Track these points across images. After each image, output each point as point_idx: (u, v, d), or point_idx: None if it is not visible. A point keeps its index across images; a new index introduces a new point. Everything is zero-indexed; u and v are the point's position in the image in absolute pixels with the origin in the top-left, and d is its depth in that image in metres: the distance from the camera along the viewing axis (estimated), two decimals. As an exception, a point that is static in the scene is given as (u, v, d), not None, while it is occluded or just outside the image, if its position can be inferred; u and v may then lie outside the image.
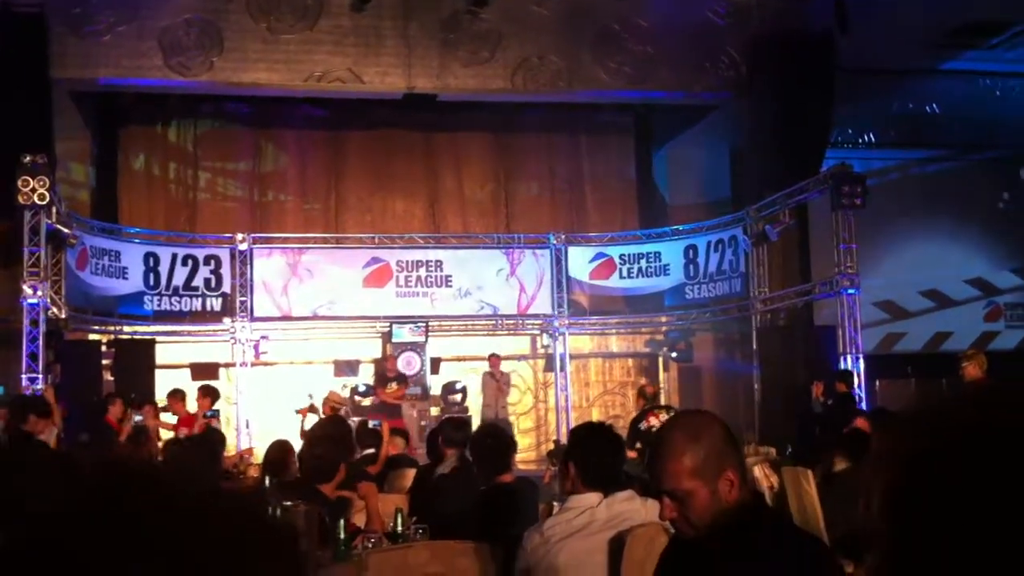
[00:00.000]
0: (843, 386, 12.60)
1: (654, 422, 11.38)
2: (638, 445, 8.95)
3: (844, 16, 14.42)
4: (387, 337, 15.96)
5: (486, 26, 15.21)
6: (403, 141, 17.56)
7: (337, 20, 14.87)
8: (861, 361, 13.77)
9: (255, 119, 17.06)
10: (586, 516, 3.95)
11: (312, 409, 13.26)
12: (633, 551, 3.85)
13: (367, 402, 14.79)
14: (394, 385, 14.38)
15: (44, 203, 11.88)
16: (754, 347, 15.67)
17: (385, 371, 14.84)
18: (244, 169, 17.28)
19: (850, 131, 17.57)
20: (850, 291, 13.83)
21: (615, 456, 4.06)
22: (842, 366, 13.56)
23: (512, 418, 16.16)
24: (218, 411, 12.32)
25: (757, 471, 8.88)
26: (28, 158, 11.77)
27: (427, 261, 16.43)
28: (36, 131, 13.10)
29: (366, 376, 15.97)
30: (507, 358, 16.60)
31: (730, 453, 2.49)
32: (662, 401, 14.54)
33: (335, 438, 6.03)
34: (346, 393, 14.73)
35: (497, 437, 5.55)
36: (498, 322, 16.80)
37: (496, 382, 15.51)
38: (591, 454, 4.07)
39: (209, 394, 12.29)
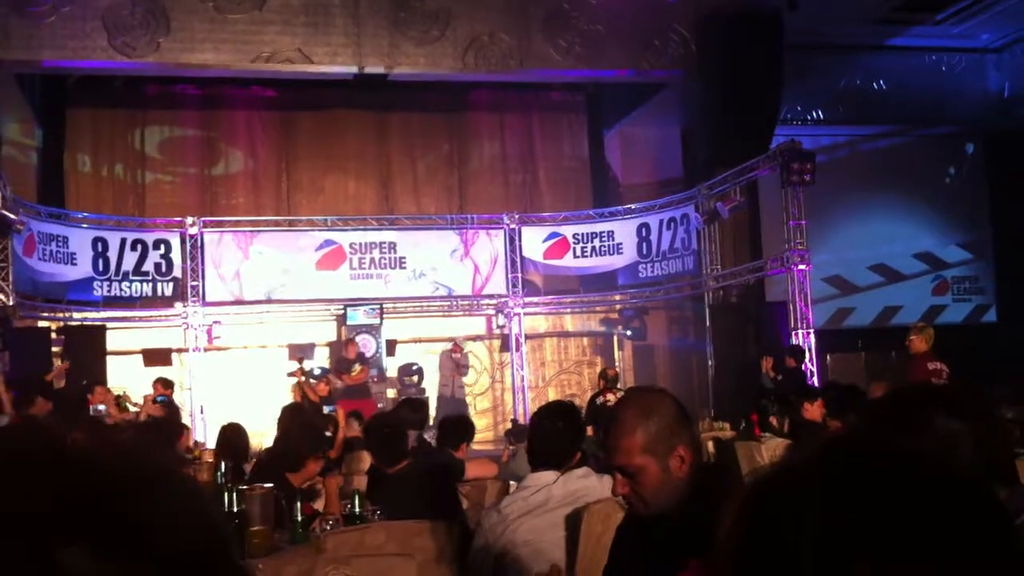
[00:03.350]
0: (792, 361, 12.77)
1: (610, 398, 11.52)
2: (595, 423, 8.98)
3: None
4: (342, 320, 15.90)
5: (436, 4, 15.13)
6: (354, 121, 17.46)
7: None
8: (812, 336, 13.94)
9: (203, 101, 16.88)
10: (543, 494, 3.97)
11: (302, 372, 13.27)
12: (590, 527, 3.87)
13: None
14: (357, 367, 14.34)
15: (-12, 188, 11.68)
16: (707, 324, 15.80)
17: (345, 356, 14.77)
18: (193, 152, 17.09)
19: (799, 108, 17.71)
20: (800, 267, 13.98)
21: (573, 434, 4.08)
22: (793, 341, 13.72)
23: (469, 398, 16.20)
24: (167, 397, 12.18)
25: (710, 446, 8.99)
26: (-29, 143, 11.57)
27: (380, 243, 16.37)
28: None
29: (321, 359, 15.91)
30: (464, 339, 16.61)
31: (682, 430, 2.49)
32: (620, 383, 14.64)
33: (302, 429, 6.05)
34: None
35: (383, 428, 5.79)
36: (453, 303, 16.79)
37: (453, 362, 15.52)
38: (545, 432, 4.09)
39: (168, 386, 12.20)
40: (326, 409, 11.81)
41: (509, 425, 16.31)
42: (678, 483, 2.45)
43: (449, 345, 15.79)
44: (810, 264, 14.08)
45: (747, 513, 0.87)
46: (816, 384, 12.98)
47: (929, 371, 9.02)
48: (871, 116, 18.12)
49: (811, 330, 13.93)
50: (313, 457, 5.46)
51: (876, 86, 18.22)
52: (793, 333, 13.93)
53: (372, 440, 5.80)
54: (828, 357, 15.56)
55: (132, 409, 11.50)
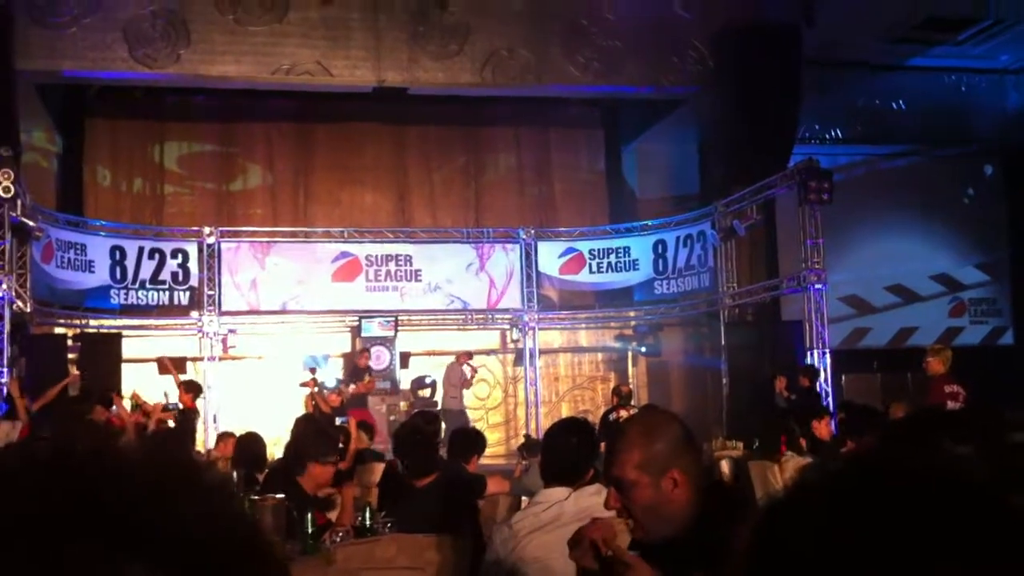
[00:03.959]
0: (806, 381, 12.69)
1: (623, 414, 11.51)
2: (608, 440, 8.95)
3: (810, 9, 14.51)
4: (356, 331, 15.91)
5: (455, 19, 15.18)
6: (372, 134, 17.51)
7: (305, 12, 14.80)
8: (828, 356, 13.87)
9: (222, 112, 16.95)
10: (555, 510, 3.95)
11: (315, 383, 13.29)
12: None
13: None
14: (367, 377, 14.40)
15: (9, 196, 11.74)
16: (722, 342, 15.74)
17: (357, 366, 14.79)
18: (212, 162, 17.16)
19: (817, 126, 17.67)
20: (817, 286, 13.91)
21: (586, 451, 4.07)
22: (808, 361, 13.65)
23: (480, 412, 16.20)
24: (176, 404, 12.18)
25: (724, 465, 8.95)
26: (-9, 150, 11.63)
27: (396, 255, 16.39)
28: (1, 123, 12.94)
29: (335, 371, 15.90)
30: (476, 352, 16.60)
31: (682, 454, 2.50)
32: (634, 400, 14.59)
33: (308, 434, 6.03)
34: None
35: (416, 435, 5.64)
36: (468, 316, 16.79)
37: (462, 374, 15.40)
38: (559, 448, 4.08)
39: (191, 389, 12.21)
40: (338, 421, 11.81)
41: (521, 439, 16.31)
42: (673, 505, 2.46)
43: (451, 359, 15.64)
44: (827, 283, 14.01)
45: (760, 534, 0.87)
46: (830, 404, 12.92)
47: (946, 393, 8.97)
48: (890, 135, 18.06)
49: (827, 350, 13.85)
50: (316, 462, 5.37)
51: (895, 105, 18.17)
52: (808, 353, 13.85)
53: (405, 450, 5.65)
54: (843, 377, 15.47)
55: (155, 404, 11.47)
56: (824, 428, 7.60)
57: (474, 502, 5.57)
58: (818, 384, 13.08)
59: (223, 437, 10.50)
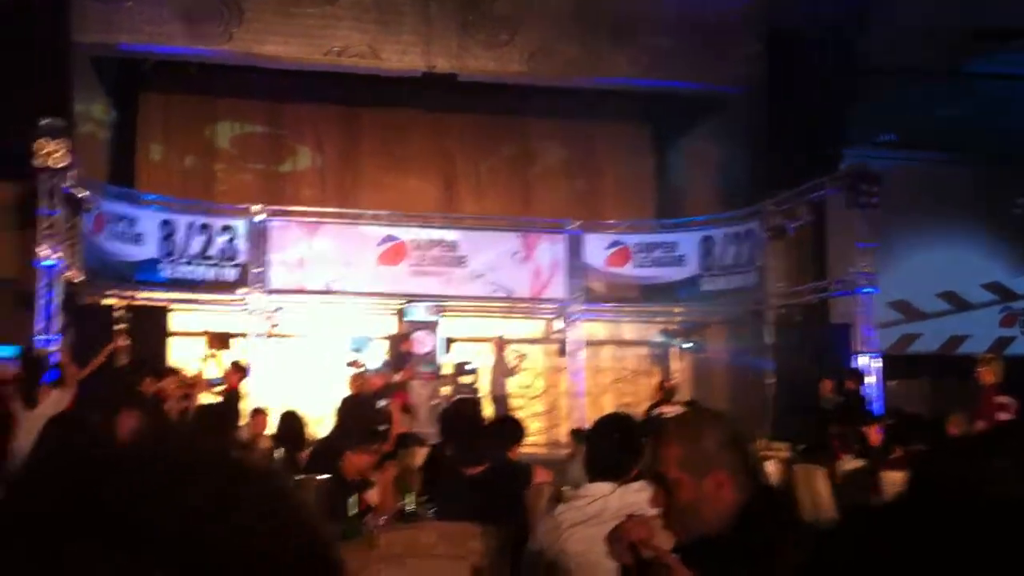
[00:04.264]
0: (853, 384, 12.55)
1: (667, 410, 11.44)
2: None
3: (866, 13, 14.33)
4: (401, 315, 15.92)
5: (505, 9, 15.15)
6: (420, 119, 17.51)
7: (358, -4, 14.81)
8: (876, 360, 13.70)
9: (273, 91, 16.99)
10: (598, 504, 3.93)
11: (358, 364, 13.33)
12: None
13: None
14: (409, 364, 14.46)
15: (61, 167, 11.85)
16: (767, 342, 15.56)
17: (401, 352, 14.81)
18: (261, 140, 17.24)
19: (870, 130, 17.44)
20: (866, 290, 13.76)
21: (632, 447, 4.03)
22: (855, 365, 13.49)
23: (522, 401, 16.18)
24: (220, 379, 12.25)
25: (769, 467, 8.86)
26: (46, 121, 11.73)
27: (442, 241, 16.39)
28: (55, 94, 13.07)
29: (379, 353, 15.92)
30: (520, 341, 16.58)
31: (726, 456, 2.47)
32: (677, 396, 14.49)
33: (346, 424, 6.03)
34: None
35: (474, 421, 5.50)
36: (512, 305, 16.76)
37: (503, 362, 15.42)
38: (604, 443, 4.07)
39: (239, 370, 12.29)
40: (381, 403, 11.84)
41: (562, 430, 16.31)
42: (714, 507, 2.43)
43: (492, 348, 15.63)
44: (877, 287, 13.83)
45: (818, 559, 0.89)
46: (877, 409, 12.78)
47: (996, 405, 8.83)
48: (944, 142, 17.78)
49: (874, 354, 13.69)
50: (351, 451, 5.36)
51: (951, 112, 17.88)
52: (855, 356, 13.69)
53: (456, 438, 5.50)
54: (891, 383, 15.27)
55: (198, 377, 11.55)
56: (875, 434, 7.51)
57: (521, 491, 5.52)
58: (865, 389, 12.92)
59: (255, 413, 10.57)
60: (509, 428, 6.68)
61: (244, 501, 0.71)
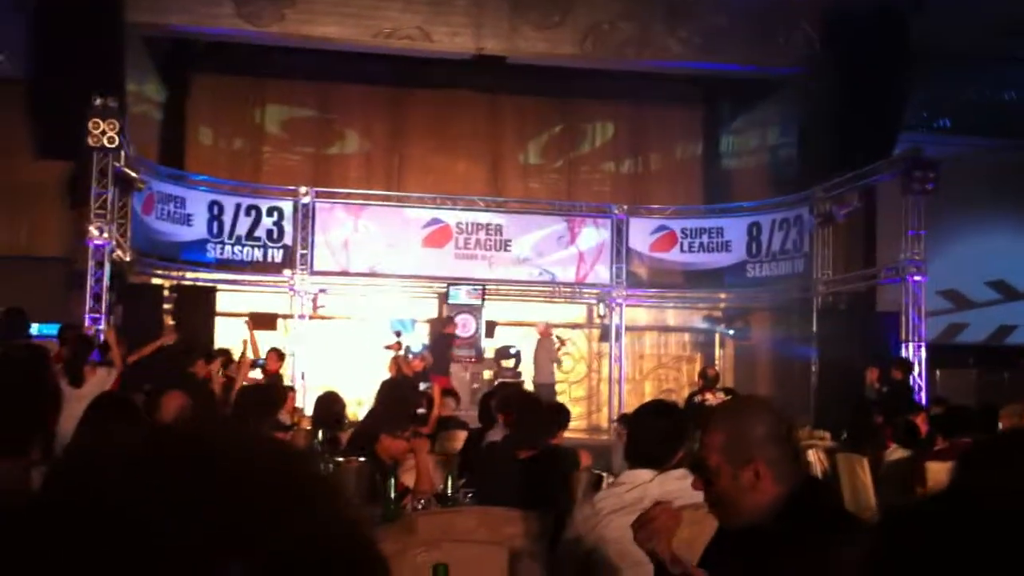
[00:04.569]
0: (899, 373, 12.39)
1: (709, 398, 11.39)
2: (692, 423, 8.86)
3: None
4: (444, 298, 15.97)
5: (558, -10, 15.06)
6: (467, 102, 17.49)
7: (409, -23, 14.81)
8: (923, 350, 13.53)
9: (322, 72, 17.05)
10: (638, 492, 3.90)
11: (399, 347, 13.38)
12: (681, 530, 3.80)
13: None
14: (452, 346, 14.51)
15: (113, 146, 11.97)
16: (813, 329, 15.41)
17: (444, 334, 14.80)
18: (309, 122, 17.32)
19: (924, 114, 17.18)
20: (916, 278, 13.58)
21: (675, 434, 4.01)
22: (902, 354, 13.33)
23: (564, 386, 16.14)
24: (262, 361, 12.37)
25: (811, 455, 8.78)
26: (99, 101, 11.85)
27: (487, 224, 16.40)
28: (108, 74, 13.19)
29: (421, 335, 15.99)
30: (562, 326, 16.55)
31: (768, 446, 2.44)
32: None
33: (382, 407, 6.03)
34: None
35: (536, 407, 5.43)
36: (555, 289, 16.74)
37: (548, 350, 15.32)
38: (646, 430, 4.04)
39: (281, 358, 12.42)
40: (422, 386, 11.88)
41: (603, 414, 16.25)
42: (753, 498, 2.41)
43: (537, 334, 15.48)
44: (926, 276, 13.64)
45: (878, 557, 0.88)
46: (923, 399, 12.63)
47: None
48: (999, 128, 17.47)
49: (922, 343, 13.52)
50: (387, 434, 5.36)
51: (1007, 96, 17.57)
52: (903, 345, 13.53)
53: (523, 419, 5.41)
54: (938, 373, 15.08)
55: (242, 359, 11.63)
56: (923, 424, 7.44)
57: (570, 475, 5.52)
58: (911, 378, 12.77)
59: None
60: (553, 414, 6.67)
61: (298, 513, 0.72)
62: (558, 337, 15.48)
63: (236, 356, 11.47)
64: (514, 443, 5.20)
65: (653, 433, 3.98)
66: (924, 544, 0.83)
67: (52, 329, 10.70)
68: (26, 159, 14.04)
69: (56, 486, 0.72)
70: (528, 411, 5.45)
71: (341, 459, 4.90)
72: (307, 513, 0.70)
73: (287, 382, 12.68)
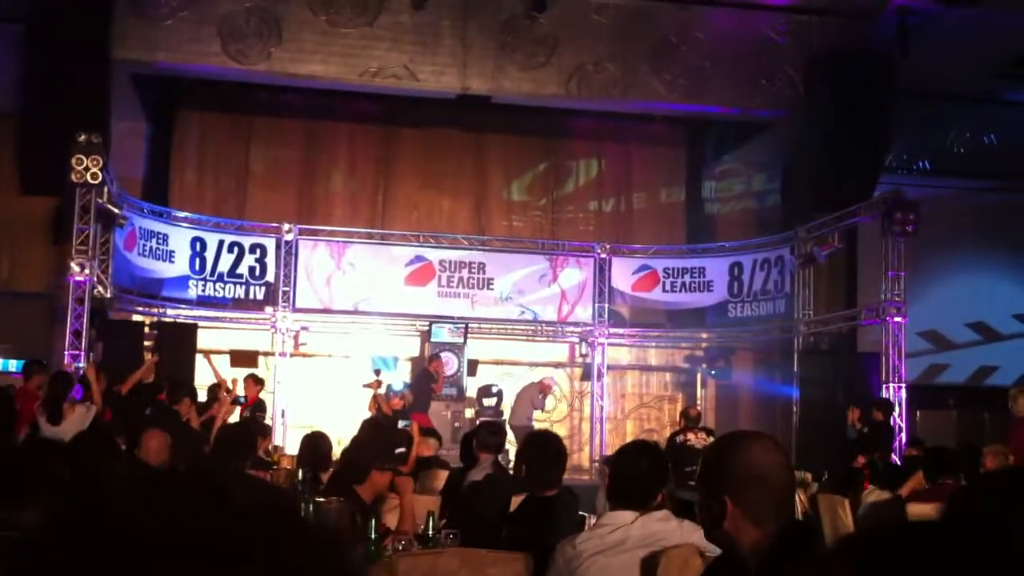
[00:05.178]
0: (880, 414, 12.43)
1: (691, 438, 11.38)
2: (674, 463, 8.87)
3: (906, 39, 14.24)
4: (426, 336, 15.95)
5: (543, 31, 15.19)
6: (453, 140, 17.59)
7: (396, 17, 14.91)
8: (904, 390, 13.58)
9: (308, 110, 17.14)
10: (620, 533, 3.91)
11: (378, 385, 13.32)
12: (667, 571, 3.80)
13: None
14: (436, 384, 14.43)
15: (96, 182, 11.95)
16: (795, 369, 15.47)
17: (429, 372, 14.72)
18: (294, 160, 17.35)
19: (905, 156, 17.33)
20: (896, 319, 13.64)
21: (656, 474, 4.01)
22: (883, 394, 13.38)
23: (546, 424, 16.10)
24: (244, 398, 12.34)
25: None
26: (83, 137, 11.85)
27: (470, 262, 16.43)
28: (93, 110, 13.20)
29: (403, 374, 15.95)
30: (544, 365, 16.55)
31: (735, 483, 2.44)
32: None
33: (370, 441, 5.99)
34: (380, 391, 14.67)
35: (549, 447, 5.28)
36: (538, 328, 16.75)
37: (535, 400, 15.27)
38: (628, 471, 4.04)
39: (259, 383, 12.38)
40: (401, 424, 11.83)
41: (584, 454, 16.22)
42: (724, 530, 2.43)
43: (535, 379, 15.52)
44: (906, 317, 13.72)
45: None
46: (903, 440, 12.67)
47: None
48: (979, 170, 17.63)
49: (903, 384, 13.57)
50: (378, 469, 5.35)
51: (987, 140, 17.75)
52: (884, 386, 13.58)
53: (537, 460, 5.17)
54: (919, 413, 15.12)
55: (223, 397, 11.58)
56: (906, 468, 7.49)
57: (576, 514, 5.46)
58: (892, 419, 12.81)
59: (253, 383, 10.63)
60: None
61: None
62: (543, 388, 15.44)
63: (215, 393, 11.43)
64: (536, 483, 5.05)
65: (635, 473, 3.99)
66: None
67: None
68: (9, 194, 14.04)
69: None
70: (549, 452, 5.24)
71: (321, 499, 4.88)
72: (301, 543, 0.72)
73: (267, 420, 12.62)
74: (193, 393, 10.64)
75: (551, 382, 15.61)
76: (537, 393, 15.17)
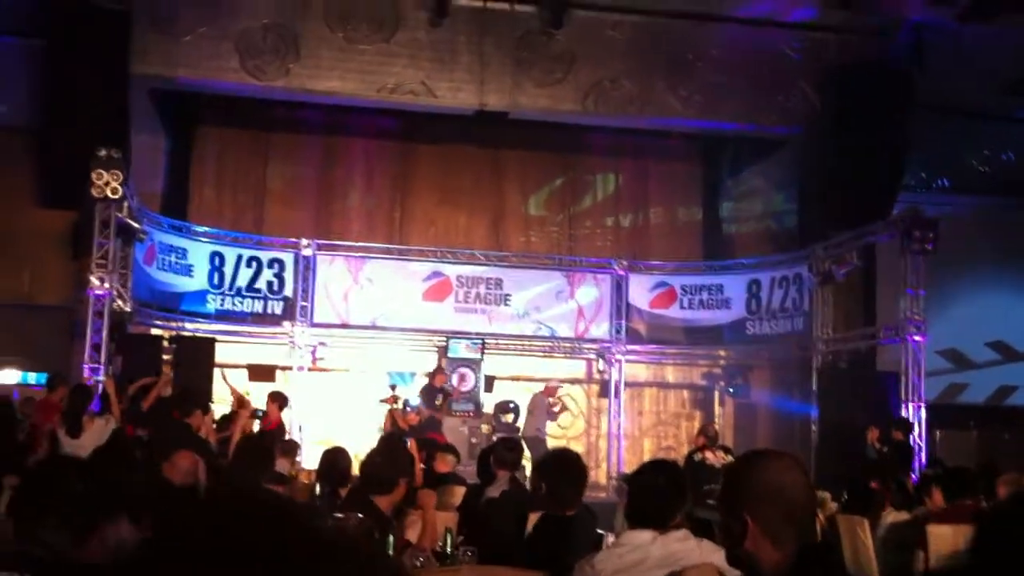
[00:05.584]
0: (899, 434, 12.34)
1: (709, 456, 11.33)
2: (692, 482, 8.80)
3: (922, 55, 14.22)
4: (443, 352, 15.92)
5: (560, 47, 15.24)
6: (471, 156, 17.62)
7: (413, 33, 14.99)
8: (923, 410, 13.48)
9: (326, 126, 17.21)
10: (639, 553, 3.88)
11: (395, 400, 13.29)
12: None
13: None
14: (441, 397, 14.34)
15: (116, 197, 12.00)
16: (813, 388, 15.35)
17: (433, 386, 14.67)
18: (312, 175, 17.41)
19: (923, 174, 17.27)
20: (916, 338, 13.55)
21: (676, 494, 3.98)
22: (902, 414, 13.29)
23: (563, 442, 16.04)
24: (262, 411, 12.32)
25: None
26: (104, 152, 11.90)
27: (487, 278, 16.41)
28: (113, 124, 13.31)
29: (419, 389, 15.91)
30: (562, 381, 16.50)
31: (755, 500, 2.43)
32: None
33: (396, 451, 5.93)
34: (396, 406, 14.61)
35: (569, 467, 5.20)
36: (555, 344, 16.72)
37: (546, 408, 15.18)
38: (647, 490, 4.01)
39: (276, 399, 12.37)
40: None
41: (602, 471, 16.14)
42: (745, 549, 2.42)
43: (541, 387, 15.44)
44: (926, 335, 13.62)
45: None
46: (923, 460, 12.58)
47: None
48: (999, 187, 17.56)
49: (922, 403, 13.48)
50: (404, 479, 5.31)
51: (1005, 157, 17.67)
52: (903, 405, 13.48)
53: (557, 479, 5.09)
54: (938, 433, 15.01)
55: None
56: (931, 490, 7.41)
57: (595, 532, 5.42)
58: (911, 438, 12.72)
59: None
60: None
61: None
62: (559, 398, 15.36)
63: (233, 407, 11.43)
64: (556, 502, 5.00)
65: (654, 493, 3.96)
66: None
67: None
68: (30, 207, 14.15)
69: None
70: (571, 471, 5.17)
71: (340, 515, 4.87)
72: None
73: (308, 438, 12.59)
74: (206, 406, 10.62)
75: (556, 385, 15.45)
76: (545, 400, 15.05)
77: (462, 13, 15.01)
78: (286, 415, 13.06)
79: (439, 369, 15.08)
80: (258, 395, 12.89)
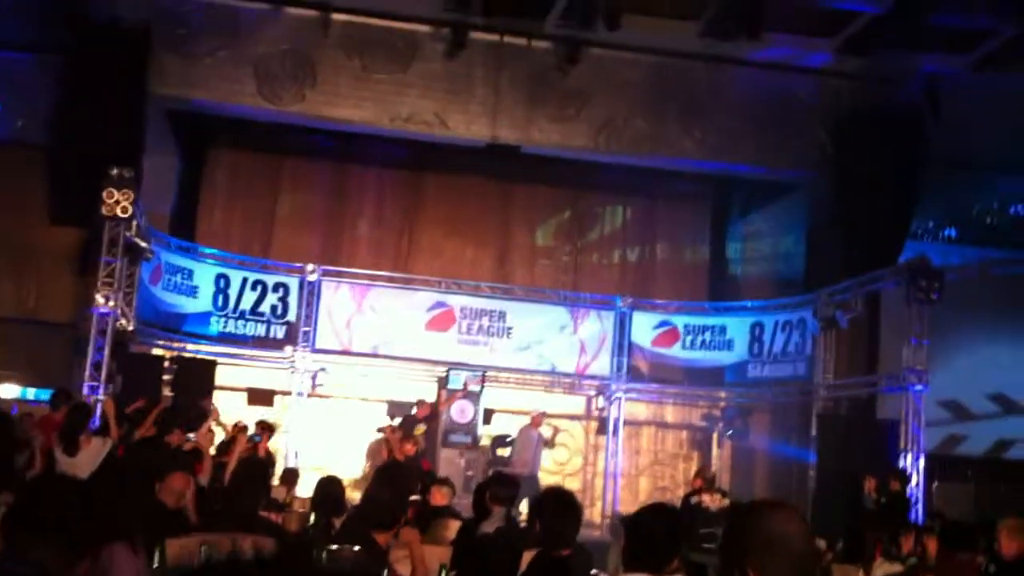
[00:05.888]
0: (897, 484, 12.28)
1: (706, 499, 11.30)
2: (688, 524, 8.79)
3: (936, 105, 14.27)
4: (443, 382, 15.89)
5: (575, 84, 15.34)
6: (480, 189, 17.69)
7: (429, 64, 15.10)
8: (921, 460, 13.43)
9: (338, 154, 17.29)
10: (634, 597, 3.87)
11: (392, 430, 13.23)
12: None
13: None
14: (422, 426, 14.22)
15: (126, 216, 12.04)
16: (812, 433, 15.30)
17: (417, 417, 14.58)
18: (321, 202, 17.47)
19: (931, 223, 17.28)
20: (917, 388, 13.51)
21: (673, 537, 3.98)
22: (901, 463, 13.24)
23: (558, 478, 16.01)
24: (257, 437, 12.31)
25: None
26: (116, 171, 11.95)
27: (491, 311, 16.40)
28: (127, 144, 13.38)
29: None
30: (560, 417, 16.47)
31: (758, 552, 2.42)
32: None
33: (404, 488, 5.92)
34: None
35: (565, 506, 5.09)
36: (555, 379, 16.69)
37: (536, 439, 15.10)
38: (645, 534, 4.01)
39: (266, 430, 12.36)
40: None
41: (596, 509, 16.06)
42: None
43: (527, 420, 15.24)
44: (928, 386, 13.58)
45: None
46: (920, 511, 12.52)
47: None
48: (1006, 240, 17.57)
49: (921, 454, 13.42)
50: (404, 515, 5.32)
51: (1013, 210, 17.70)
52: (902, 455, 13.43)
53: (553, 518, 5.01)
54: (936, 484, 14.94)
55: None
56: (908, 544, 7.36)
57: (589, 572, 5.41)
58: (909, 489, 12.66)
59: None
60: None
61: None
62: (552, 425, 15.32)
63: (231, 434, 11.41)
64: (551, 542, 4.98)
65: (652, 536, 3.95)
66: None
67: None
68: (40, 223, 14.19)
69: None
70: (562, 511, 5.14)
71: (335, 547, 4.86)
72: None
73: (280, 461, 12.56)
74: (183, 426, 10.50)
75: (540, 413, 15.29)
76: (533, 432, 14.95)
77: (479, 46, 15.13)
78: (282, 441, 13.04)
79: (422, 400, 14.96)
80: (252, 421, 12.82)
